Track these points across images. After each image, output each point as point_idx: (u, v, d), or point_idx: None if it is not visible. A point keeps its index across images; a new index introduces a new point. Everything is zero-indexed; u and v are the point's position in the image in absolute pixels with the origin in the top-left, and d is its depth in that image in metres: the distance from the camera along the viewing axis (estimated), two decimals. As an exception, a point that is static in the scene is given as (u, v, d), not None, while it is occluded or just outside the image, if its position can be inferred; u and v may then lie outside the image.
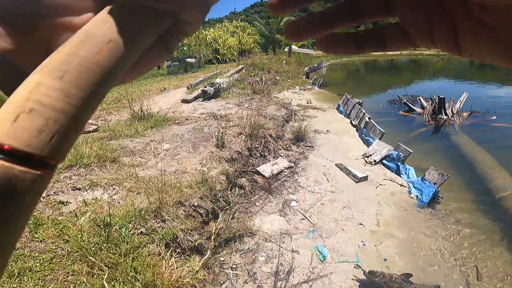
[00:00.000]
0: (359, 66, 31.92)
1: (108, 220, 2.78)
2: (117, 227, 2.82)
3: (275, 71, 12.96)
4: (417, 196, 4.34)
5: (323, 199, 4.41)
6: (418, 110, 9.48)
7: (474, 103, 9.09)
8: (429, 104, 9.13)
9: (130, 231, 2.85)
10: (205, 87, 8.19)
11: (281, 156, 5.39)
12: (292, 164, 5.16)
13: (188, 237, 3.14)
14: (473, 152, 5.90)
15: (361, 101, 9.51)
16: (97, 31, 0.20)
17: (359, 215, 4.05)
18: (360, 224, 3.90)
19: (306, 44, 35.16)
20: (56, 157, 0.18)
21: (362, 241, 3.65)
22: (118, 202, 3.17)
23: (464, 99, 9.06)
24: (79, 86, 0.18)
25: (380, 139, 5.75)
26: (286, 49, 22.60)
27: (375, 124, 6.08)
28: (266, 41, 21.87)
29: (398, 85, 15.96)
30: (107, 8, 0.21)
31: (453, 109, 8.56)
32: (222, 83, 8.83)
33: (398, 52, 34.83)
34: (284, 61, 15.88)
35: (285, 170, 4.96)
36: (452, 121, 8.21)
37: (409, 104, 9.81)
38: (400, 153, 4.98)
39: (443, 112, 8.46)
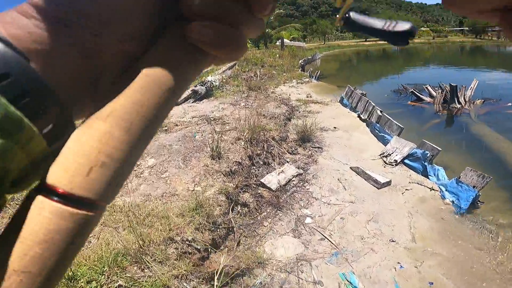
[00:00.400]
0: (352, 56, 31.44)
1: (71, 273, 2.03)
2: (83, 282, 2.06)
3: (269, 65, 12.22)
4: (453, 202, 3.69)
5: (343, 212, 3.74)
6: (427, 99, 8.84)
7: (484, 91, 8.47)
8: (438, 93, 8.46)
9: (103, 286, 2.10)
10: (195, 86, 7.38)
11: (288, 162, 4.69)
12: (301, 171, 4.46)
13: (184, 284, 2.41)
14: (500, 144, 5.24)
15: (364, 93, 8.83)
16: (159, 76, 0.20)
17: (388, 230, 3.44)
18: (392, 241, 3.29)
19: (297, 37, 34.79)
20: (109, 200, 0.20)
21: (399, 263, 3.04)
22: (88, 243, 2.40)
23: (475, 86, 8.43)
24: (142, 138, 0.20)
25: (398, 135, 5.05)
26: (278, 43, 21.83)
27: (390, 119, 5.39)
28: (258, 36, 21.15)
29: (392, 74, 15.71)
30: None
31: (465, 97, 7.90)
32: (214, 81, 8.04)
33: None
34: (278, 55, 15.15)
35: (294, 178, 4.27)
36: (465, 110, 7.55)
37: (417, 93, 9.14)
38: (427, 152, 4.30)
39: (456, 100, 7.80)
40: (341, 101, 8.33)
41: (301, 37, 41.28)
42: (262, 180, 4.11)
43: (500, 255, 3.07)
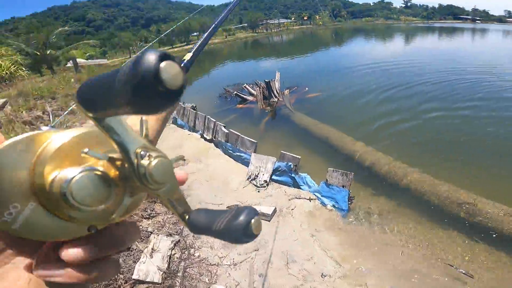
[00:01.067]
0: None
1: None
2: None
3: (64, 95, 9.26)
4: (334, 206, 3.85)
5: (255, 266, 3.08)
6: (250, 98, 9.45)
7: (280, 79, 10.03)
8: (257, 90, 9.20)
9: None
10: None
11: (152, 233, 3.43)
12: (177, 237, 3.36)
13: None
14: (323, 130, 6.17)
15: (194, 105, 8.33)
16: None
17: (311, 264, 3.27)
18: (324, 275, 3.13)
19: (95, 55, 30.79)
20: None
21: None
22: None
23: (278, 78, 9.75)
24: None
25: (255, 151, 4.80)
26: (69, 64, 17.42)
27: (240, 135, 5.07)
28: (35, 60, 15.89)
29: (201, 76, 17.43)
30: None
31: (277, 90, 8.98)
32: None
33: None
34: (72, 79, 11.87)
35: (174, 252, 3.14)
36: (281, 102, 8.59)
37: (241, 95, 9.61)
38: (290, 163, 4.24)
39: (273, 95, 8.71)
40: (175, 122, 7.40)
41: (101, 54, 36.71)
42: (135, 276, 2.74)
43: (409, 240, 3.60)
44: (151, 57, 0.19)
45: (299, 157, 4.48)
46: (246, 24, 61.12)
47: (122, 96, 0.20)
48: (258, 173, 4.65)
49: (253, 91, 9.91)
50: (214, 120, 6.36)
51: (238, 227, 0.26)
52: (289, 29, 62.42)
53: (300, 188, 4.43)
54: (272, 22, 66.78)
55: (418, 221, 3.91)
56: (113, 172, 0.28)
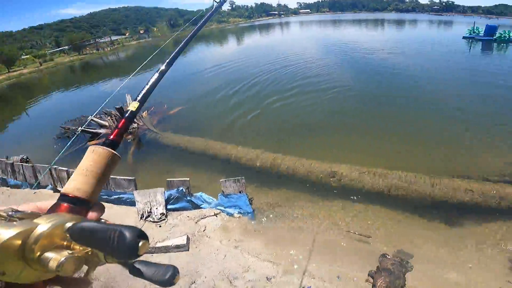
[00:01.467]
0: None
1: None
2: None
3: None
4: (240, 213, 3.99)
5: None
6: (103, 131, 8.35)
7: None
8: (109, 120, 8.22)
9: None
10: None
11: None
12: None
13: None
14: (197, 143, 6.26)
15: (25, 156, 6.73)
16: None
17: (251, 274, 3.25)
18: (269, 278, 3.18)
19: None
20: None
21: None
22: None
23: (131, 100, 9.02)
24: None
25: (136, 188, 4.37)
26: None
27: (111, 176, 4.40)
28: None
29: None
30: None
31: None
32: None
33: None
34: None
35: None
36: (143, 126, 8.04)
37: (89, 130, 8.32)
38: (181, 188, 4.11)
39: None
40: (4, 184, 5.71)
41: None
42: None
43: (313, 219, 4.00)
44: (134, 244, 0.37)
45: (187, 179, 4.33)
46: (67, 47, 52.12)
47: (110, 253, 0.40)
48: (151, 209, 4.21)
49: (104, 122, 8.71)
50: (66, 169, 5.23)
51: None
52: (125, 45, 58.16)
53: (201, 208, 4.33)
54: (103, 40, 60.78)
55: (310, 199, 4.45)
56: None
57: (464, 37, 23.41)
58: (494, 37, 21.33)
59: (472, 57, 15.61)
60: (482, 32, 22.61)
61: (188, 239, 3.69)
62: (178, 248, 3.59)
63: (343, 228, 3.84)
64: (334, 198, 4.40)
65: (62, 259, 0.40)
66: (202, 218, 4.15)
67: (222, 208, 4.23)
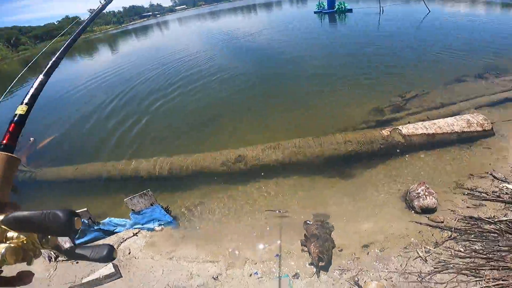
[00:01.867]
0: None
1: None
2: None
3: None
4: (160, 225, 3.94)
5: None
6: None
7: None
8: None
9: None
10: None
11: None
12: None
13: None
14: (86, 170, 5.64)
15: None
16: None
17: (197, 279, 3.22)
18: (215, 277, 3.21)
19: None
20: None
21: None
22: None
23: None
24: None
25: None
26: None
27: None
28: None
29: None
30: None
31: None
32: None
33: None
34: None
35: None
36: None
37: None
38: (84, 219, 3.77)
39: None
40: None
41: None
42: None
43: (234, 208, 4.08)
44: (69, 220, 0.47)
45: (85, 209, 3.89)
46: None
47: (48, 232, 0.49)
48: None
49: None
50: None
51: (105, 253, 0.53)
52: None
53: (117, 232, 3.98)
54: None
55: (226, 189, 4.58)
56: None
57: (315, 12, 27.21)
58: (335, 9, 25.49)
59: (324, 28, 18.45)
60: (326, 6, 26.67)
61: (115, 266, 3.40)
62: (109, 277, 3.28)
63: (263, 207, 4.11)
64: (248, 181, 4.64)
65: (2, 250, 0.45)
66: (122, 242, 3.86)
67: (140, 226, 4.01)
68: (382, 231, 3.35)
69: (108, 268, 3.35)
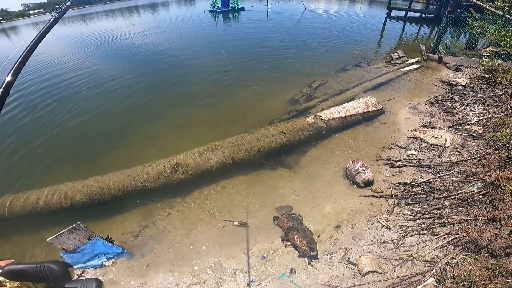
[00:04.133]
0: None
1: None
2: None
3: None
4: (111, 259, 2.97)
5: None
6: None
7: None
8: None
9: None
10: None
11: None
12: None
13: None
14: None
15: None
16: None
17: None
18: None
19: None
20: None
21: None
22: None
23: None
24: None
25: None
26: None
27: None
28: None
29: None
30: None
31: None
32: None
33: None
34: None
35: None
36: None
37: None
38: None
39: None
40: None
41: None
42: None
43: (185, 224, 3.26)
44: (66, 272, 0.83)
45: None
46: None
47: (43, 282, 0.82)
48: None
49: None
50: None
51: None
52: None
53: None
54: None
55: (171, 206, 3.81)
56: None
57: (209, 11, 27.08)
58: (229, 7, 26.39)
59: (219, 26, 18.33)
60: (220, 5, 27.21)
61: None
62: None
63: (222, 215, 3.63)
64: (192, 190, 4.01)
65: None
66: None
67: (82, 265, 2.94)
68: (344, 210, 3.50)
69: None
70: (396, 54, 9.50)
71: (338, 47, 10.72)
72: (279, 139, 4.54)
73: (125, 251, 3.21)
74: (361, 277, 2.64)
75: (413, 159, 4.23)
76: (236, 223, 3.43)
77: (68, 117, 6.39)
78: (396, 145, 4.62)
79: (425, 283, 2.45)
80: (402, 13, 18.79)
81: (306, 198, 3.76)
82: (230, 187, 4.05)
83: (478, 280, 2.25)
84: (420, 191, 3.55)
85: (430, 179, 3.74)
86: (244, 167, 4.26)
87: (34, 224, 3.64)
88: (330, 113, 5.27)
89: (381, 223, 3.17)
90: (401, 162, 4.20)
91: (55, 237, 2.78)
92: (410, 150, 4.46)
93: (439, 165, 4.01)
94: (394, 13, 19.03)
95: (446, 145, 4.45)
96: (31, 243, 3.39)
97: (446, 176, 3.79)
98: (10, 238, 3.49)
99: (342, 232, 3.15)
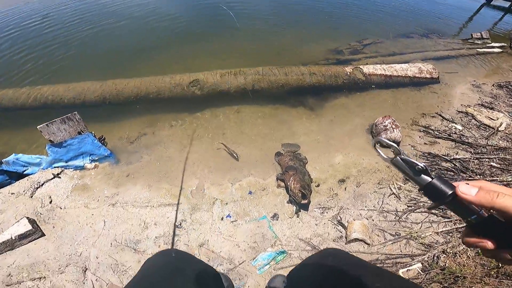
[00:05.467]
0: None
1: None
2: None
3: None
4: (94, 161, 3.12)
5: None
6: None
7: None
8: None
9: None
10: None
11: None
12: None
13: None
14: None
15: None
16: None
17: (154, 229, 2.38)
18: (179, 225, 2.41)
19: None
20: None
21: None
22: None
23: None
24: None
25: None
26: None
27: None
28: None
29: None
30: None
31: None
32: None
33: None
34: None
35: None
36: None
37: None
38: None
39: None
40: None
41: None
42: None
43: (182, 138, 3.17)
44: None
45: None
46: None
47: None
48: None
49: None
50: None
51: None
52: None
53: (29, 175, 2.78)
54: None
55: (178, 119, 3.69)
56: None
57: None
58: None
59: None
60: None
61: (32, 221, 2.34)
62: (26, 237, 2.32)
63: (226, 137, 3.45)
64: (204, 108, 3.85)
65: None
66: (37, 188, 2.77)
67: (63, 163, 2.96)
68: (355, 165, 3.14)
69: (22, 226, 2.32)
70: (478, 34, 7.93)
71: (409, 13, 9.24)
72: (308, 78, 4.13)
73: (112, 154, 3.15)
74: (345, 243, 2.34)
75: (455, 133, 3.59)
76: (229, 151, 3.16)
77: (99, 29, 6.46)
78: (440, 115, 3.97)
79: (410, 267, 2.12)
80: (506, 4, 15.33)
81: (318, 142, 3.43)
82: (243, 113, 3.81)
83: (467, 277, 1.90)
84: (450, 167, 3.03)
85: (466, 158, 3.17)
86: (264, 98, 3.98)
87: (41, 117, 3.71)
88: (374, 69, 4.64)
89: (391, 190, 2.77)
90: (440, 132, 3.60)
91: (46, 124, 2.76)
92: (455, 124, 3.79)
93: (483, 147, 3.39)
94: (496, 2, 15.61)
95: (499, 129, 3.71)
96: (17, 139, 3.46)
97: (486, 160, 3.21)
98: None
99: (345, 189, 2.81)
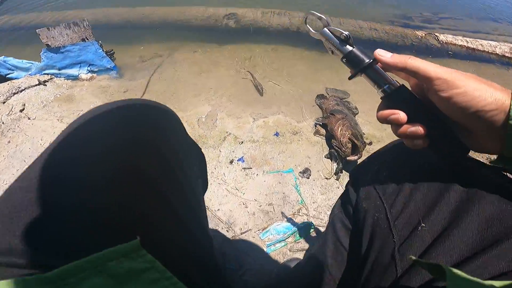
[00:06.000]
0: None
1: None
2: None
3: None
4: (92, 72, 2.57)
5: None
6: None
7: None
8: None
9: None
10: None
11: None
12: None
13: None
14: None
15: None
16: None
17: None
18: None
19: None
20: None
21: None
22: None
23: None
24: None
25: None
26: None
27: None
28: None
29: None
30: None
31: None
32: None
33: None
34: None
35: None
36: None
37: None
38: None
39: None
40: None
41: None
42: None
43: (216, 63, 2.52)
44: None
45: None
46: None
47: None
48: None
49: None
50: None
51: None
52: None
53: (12, 79, 2.40)
54: None
55: (205, 47, 3.03)
56: None
57: None
58: None
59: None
60: None
61: None
62: None
63: (256, 75, 2.68)
64: (238, 42, 3.13)
65: None
66: (14, 94, 2.28)
67: (55, 71, 2.48)
68: None
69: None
70: None
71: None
72: (367, 33, 3.35)
73: (115, 67, 2.60)
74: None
75: None
76: (254, 82, 2.47)
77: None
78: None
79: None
80: None
81: (373, 92, 2.60)
82: (281, 52, 3.02)
83: None
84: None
85: None
86: (309, 43, 3.21)
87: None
88: (454, 38, 3.69)
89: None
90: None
91: (47, 28, 2.29)
92: None
93: None
94: None
95: None
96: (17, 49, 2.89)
97: None
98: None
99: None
